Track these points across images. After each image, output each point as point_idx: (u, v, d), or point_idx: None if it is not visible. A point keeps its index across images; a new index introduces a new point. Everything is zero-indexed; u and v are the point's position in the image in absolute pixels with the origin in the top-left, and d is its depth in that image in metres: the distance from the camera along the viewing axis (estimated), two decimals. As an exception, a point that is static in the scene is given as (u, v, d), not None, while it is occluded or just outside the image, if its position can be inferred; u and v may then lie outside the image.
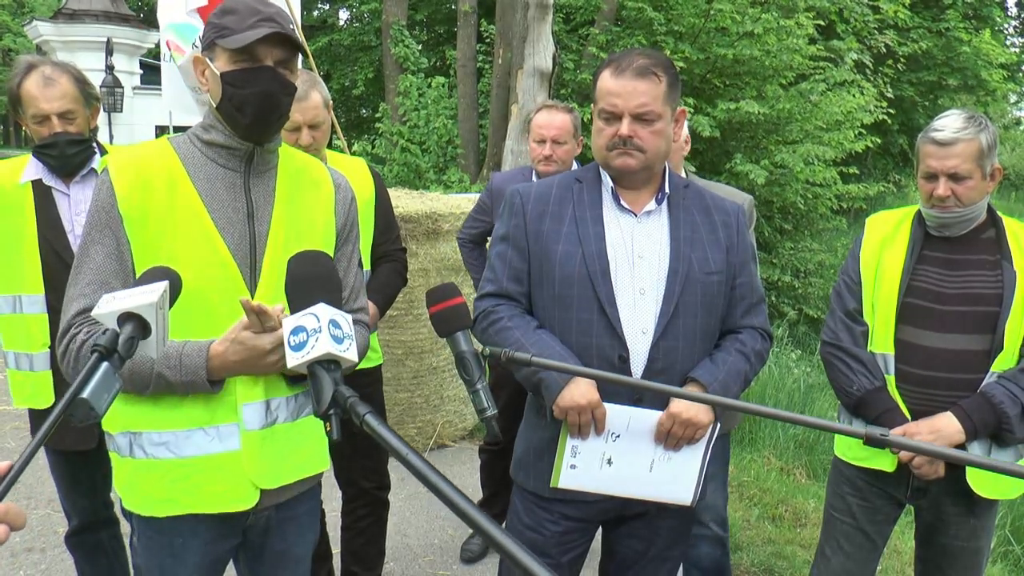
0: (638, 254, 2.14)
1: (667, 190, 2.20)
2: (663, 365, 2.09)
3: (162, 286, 1.37)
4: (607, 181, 2.20)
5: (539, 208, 2.21)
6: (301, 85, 2.90)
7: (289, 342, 1.37)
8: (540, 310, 2.19)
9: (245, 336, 1.71)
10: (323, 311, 1.37)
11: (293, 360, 1.35)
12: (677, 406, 2.04)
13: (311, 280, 1.46)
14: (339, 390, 1.28)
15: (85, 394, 1.17)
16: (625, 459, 2.09)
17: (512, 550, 0.93)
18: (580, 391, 2.03)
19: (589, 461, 2.10)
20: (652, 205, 2.18)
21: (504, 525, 2.44)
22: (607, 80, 2.10)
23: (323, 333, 1.34)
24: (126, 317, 1.30)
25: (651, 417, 2.07)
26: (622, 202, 2.17)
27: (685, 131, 2.93)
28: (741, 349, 2.19)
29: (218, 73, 1.80)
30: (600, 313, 2.09)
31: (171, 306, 1.44)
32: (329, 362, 1.33)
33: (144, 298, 1.33)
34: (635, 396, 2.09)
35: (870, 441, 1.26)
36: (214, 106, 1.86)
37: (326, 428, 1.28)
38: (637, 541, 2.28)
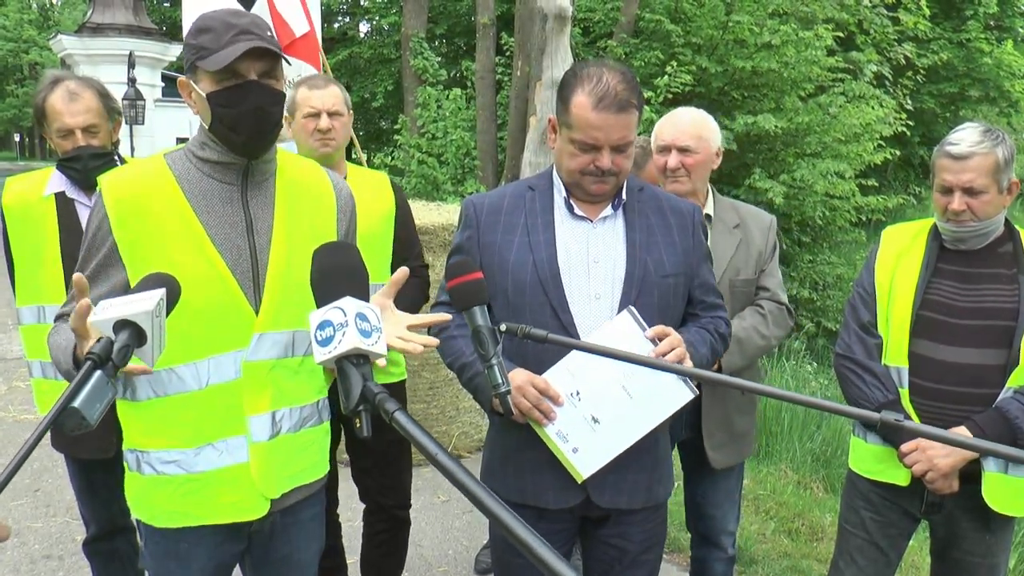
0: (593, 259, 2.14)
1: (623, 197, 2.20)
2: None
3: (158, 294, 1.37)
4: (561, 190, 2.20)
5: (492, 219, 2.21)
6: (319, 80, 2.94)
7: (316, 337, 1.30)
8: (496, 319, 2.19)
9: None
10: (350, 304, 1.31)
11: (321, 356, 1.29)
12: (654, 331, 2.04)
13: (337, 272, 1.40)
14: (368, 386, 1.22)
15: (76, 403, 1.17)
16: (604, 406, 2.04)
17: (543, 554, 0.91)
18: (513, 376, 2.02)
19: (581, 435, 2.05)
20: (608, 211, 2.18)
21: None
22: (587, 111, 2.03)
23: (350, 327, 1.27)
24: (121, 325, 1.30)
25: (582, 357, 2.03)
26: (576, 211, 2.17)
27: (719, 143, 2.92)
28: (704, 325, 2.21)
29: (204, 95, 1.78)
30: (554, 318, 2.08)
31: (169, 312, 1.44)
32: (358, 357, 1.27)
33: (140, 306, 1.32)
34: None
35: (885, 426, 1.27)
36: (206, 127, 1.84)
37: (356, 425, 1.23)
38: (610, 548, 2.27)
